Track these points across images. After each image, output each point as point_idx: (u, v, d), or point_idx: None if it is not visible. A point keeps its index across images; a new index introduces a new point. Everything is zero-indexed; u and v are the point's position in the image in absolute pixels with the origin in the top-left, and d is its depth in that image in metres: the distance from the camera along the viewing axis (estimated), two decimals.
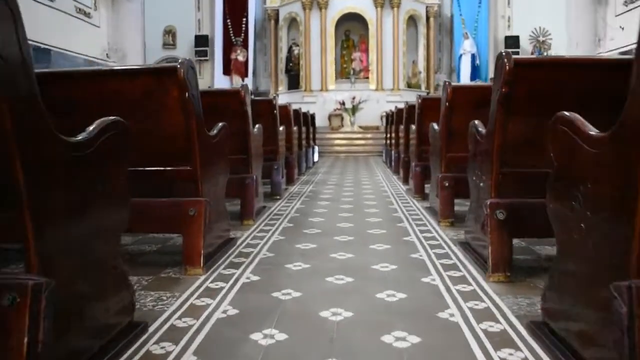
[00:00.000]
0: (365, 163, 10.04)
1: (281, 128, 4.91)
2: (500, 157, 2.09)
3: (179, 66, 2.18)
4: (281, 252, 2.66)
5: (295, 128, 6.22)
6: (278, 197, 4.72)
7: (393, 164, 7.44)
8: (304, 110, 8.49)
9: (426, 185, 4.43)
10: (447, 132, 3.22)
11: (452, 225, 3.31)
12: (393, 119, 7.91)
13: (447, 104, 3.09)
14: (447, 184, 3.25)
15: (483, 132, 2.27)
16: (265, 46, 16.81)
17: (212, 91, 5.35)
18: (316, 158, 10.02)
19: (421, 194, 4.57)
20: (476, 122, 2.36)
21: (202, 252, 2.21)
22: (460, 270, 2.28)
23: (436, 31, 16.25)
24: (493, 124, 2.10)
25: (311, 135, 9.14)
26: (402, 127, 6.13)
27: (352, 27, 15.82)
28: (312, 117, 9.86)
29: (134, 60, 11.03)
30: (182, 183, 2.34)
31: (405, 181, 5.91)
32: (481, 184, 2.26)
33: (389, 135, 9.01)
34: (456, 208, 3.40)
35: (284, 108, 5.72)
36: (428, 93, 15.37)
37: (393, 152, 7.52)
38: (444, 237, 2.98)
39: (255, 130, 3.75)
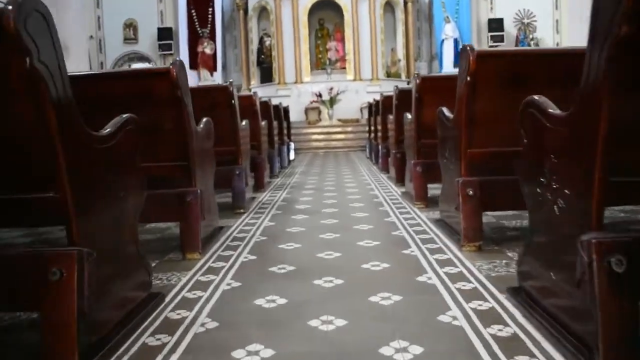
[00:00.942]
0: (346, 159, 9.82)
1: (244, 122, 4.30)
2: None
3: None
4: (227, 322, 1.82)
5: (263, 123, 5.70)
6: (242, 211, 3.95)
7: (380, 160, 7.01)
8: (279, 104, 8.46)
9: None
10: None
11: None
12: (378, 108, 7.42)
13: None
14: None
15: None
16: (235, 38, 17.03)
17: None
18: (292, 156, 9.71)
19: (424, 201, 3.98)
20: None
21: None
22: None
23: (414, 17, 16.72)
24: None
25: (285, 131, 8.75)
26: (391, 117, 5.45)
27: (326, 16, 16.21)
28: (286, 110, 9.53)
29: (78, 57, 10.35)
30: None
31: (400, 181, 5.19)
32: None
33: (372, 128, 8.73)
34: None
35: (248, 98, 5.26)
36: (408, 82, 15.90)
37: (380, 146, 7.06)
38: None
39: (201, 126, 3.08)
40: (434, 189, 3.91)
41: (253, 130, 4.89)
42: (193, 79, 14.88)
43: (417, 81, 3.68)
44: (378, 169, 7.29)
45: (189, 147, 2.67)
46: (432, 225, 3.21)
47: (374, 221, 3.49)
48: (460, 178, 2.58)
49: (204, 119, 3.07)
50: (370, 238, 2.97)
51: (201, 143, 2.89)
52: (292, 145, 9.98)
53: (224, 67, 16.77)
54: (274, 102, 7.99)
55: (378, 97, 7.56)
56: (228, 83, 4.08)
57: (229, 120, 3.95)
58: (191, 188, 2.68)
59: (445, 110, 2.83)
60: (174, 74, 2.55)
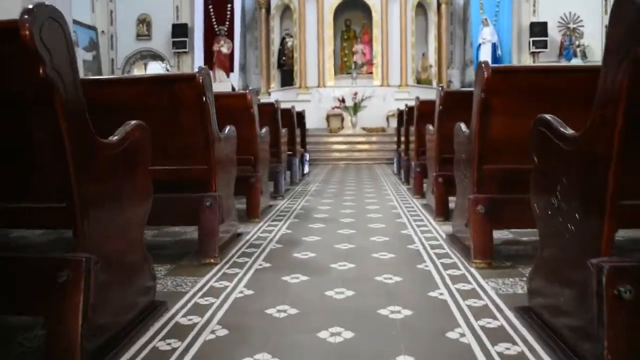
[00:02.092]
0: (370, 175, 9.20)
1: (228, 129, 3.46)
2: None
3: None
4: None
5: (263, 130, 4.81)
6: (210, 262, 3.02)
7: (413, 181, 6.06)
8: (298, 109, 8.26)
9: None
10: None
11: None
12: (411, 117, 6.54)
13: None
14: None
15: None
16: (256, 39, 17.43)
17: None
18: (307, 169, 9.14)
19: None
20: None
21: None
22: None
23: (448, 20, 16.93)
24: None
25: (298, 139, 7.80)
26: (431, 128, 4.59)
27: (353, 17, 16.59)
28: (301, 115, 8.78)
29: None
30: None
31: (442, 215, 4.35)
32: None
33: (403, 139, 7.89)
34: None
35: (241, 98, 4.39)
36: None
37: (413, 163, 6.04)
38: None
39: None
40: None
41: (248, 141, 4.27)
42: None
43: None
44: (410, 192, 6.31)
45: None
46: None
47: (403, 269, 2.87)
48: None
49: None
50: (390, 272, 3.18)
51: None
52: (307, 156, 9.34)
53: (243, 68, 17.09)
54: (292, 106, 7.85)
55: (407, 105, 7.42)
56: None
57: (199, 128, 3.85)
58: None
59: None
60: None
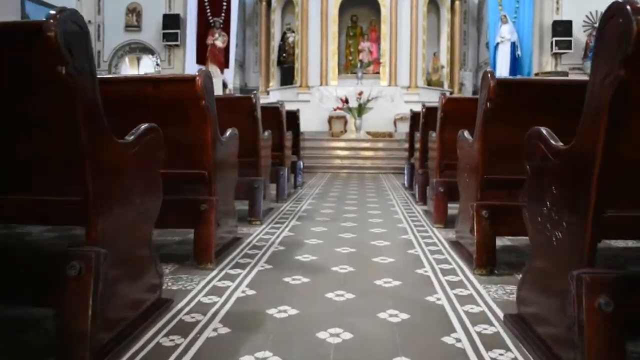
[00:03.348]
0: (376, 188, 8.53)
1: (229, 131, 3.69)
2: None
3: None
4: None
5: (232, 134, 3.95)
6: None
7: (431, 202, 5.19)
8: (291, 108, 7.98)
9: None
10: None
11: None
12: (430, 119, 5.72)
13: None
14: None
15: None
16: (256, 35, 17.75)
17: None
18: (300, 179, 8.42)
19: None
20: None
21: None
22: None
23: (462, 19, 17.30)
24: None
25: (286, 143, 6.76)
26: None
27: (360, 13, 17.01)
28: (294, 115, 8.08)
29: None
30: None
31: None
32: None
33: (419, 146, 6.53)
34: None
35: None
36: (452, 92, 16.28)
37: (434, 180, 4.99)
38: None
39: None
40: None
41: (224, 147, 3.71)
42: None
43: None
44: (428, 217, 5.25)
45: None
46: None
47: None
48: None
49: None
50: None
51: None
52: (302, 164, 8.51)
53: (241, 66, 17.26)
54: (283, 104, 7.06)
55: (424, 105, 6.67)
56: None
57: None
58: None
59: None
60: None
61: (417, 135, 6.59)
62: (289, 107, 7.67)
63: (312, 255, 3.69)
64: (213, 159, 3.33)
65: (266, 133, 4.89)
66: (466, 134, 3.49)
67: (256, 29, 17.81)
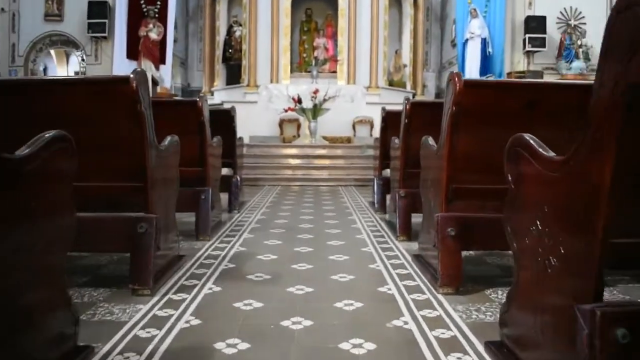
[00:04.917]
0: (337, 210, 7.35)
1: (169, 139, 3.82)
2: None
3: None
4: None
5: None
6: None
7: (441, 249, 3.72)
8: (241, 112, 7.66)
9: None
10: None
11: None
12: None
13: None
14: None
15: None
16: (200, 29, 17.76)
17: None
18: (237, 201, 7.20)
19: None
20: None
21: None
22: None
23: (424, 15, 17.71)
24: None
25: (210, 158, 5.28)
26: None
27: (314, 6, 17.27)
28: (229, 115, 7.18)
29: None
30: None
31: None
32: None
33: (398, 154, 5.32)
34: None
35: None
36: (414, 95, 16.61)
37: (438, 218, 3.45)
38: None
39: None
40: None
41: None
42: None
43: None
44: (421, 271, 3.83)
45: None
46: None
47: None
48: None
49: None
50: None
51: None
52: (238, 180, 7.34)
53: (184, 64, 17.13)
54: (205, 99, 5.56)
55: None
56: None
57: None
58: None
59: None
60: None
61: (397, 141, 5.30)
62: (238, 110, 7.48)
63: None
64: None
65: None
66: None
67: (200, 24, 17.78)
